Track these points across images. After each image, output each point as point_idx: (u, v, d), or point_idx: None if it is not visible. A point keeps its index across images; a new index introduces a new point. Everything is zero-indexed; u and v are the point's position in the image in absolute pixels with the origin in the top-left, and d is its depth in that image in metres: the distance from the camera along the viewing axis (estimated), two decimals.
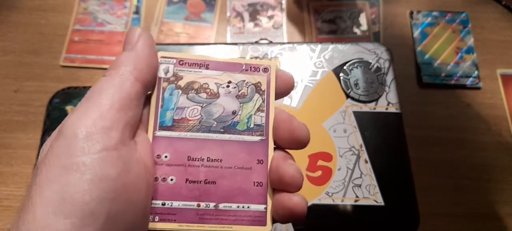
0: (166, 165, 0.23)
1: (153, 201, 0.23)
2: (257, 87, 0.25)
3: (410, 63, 0.54)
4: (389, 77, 0.39)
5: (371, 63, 0.39)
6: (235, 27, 0.55)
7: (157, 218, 0.23)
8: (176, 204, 0.23)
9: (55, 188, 0.18)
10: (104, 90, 0.21)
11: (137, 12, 0.56)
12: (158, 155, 0.24)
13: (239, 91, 0.25)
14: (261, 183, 0.24)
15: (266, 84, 0.25)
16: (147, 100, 0.24)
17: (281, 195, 0.23)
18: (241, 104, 0.25)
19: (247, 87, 0.25)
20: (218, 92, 0.25)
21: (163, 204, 0.23)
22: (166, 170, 0.23)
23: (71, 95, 0.46)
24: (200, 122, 0.24)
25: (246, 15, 0.56)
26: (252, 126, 0.24)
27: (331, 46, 0.40)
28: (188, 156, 0.24)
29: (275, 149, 0.24)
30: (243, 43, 0.40)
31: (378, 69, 0.39)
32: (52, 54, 0.53)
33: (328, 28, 0.55)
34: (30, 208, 0.18)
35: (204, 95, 0.25)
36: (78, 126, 0.20)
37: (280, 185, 0.23)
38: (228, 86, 0.25)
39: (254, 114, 0.25)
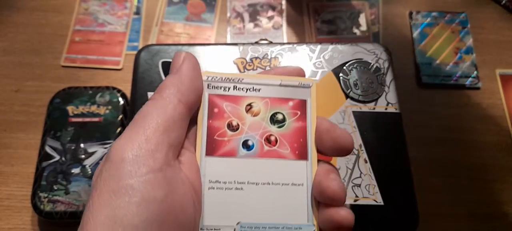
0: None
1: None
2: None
3: (410, 63, 0.54)
4: (389, 78, 0.39)
5: (370, 63, 0.39)
6: (235, 28, 0.56)
7: None
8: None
9: (106, 212, 0.19)
10: (149, 114, 0.22)
11: (137, 12, 0.56)
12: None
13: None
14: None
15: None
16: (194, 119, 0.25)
17: (328, 209, 0.23)
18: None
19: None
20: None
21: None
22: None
23: (72, 95, 0.47)
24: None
25: (246, 16, 0.56)
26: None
27: (330, 47, 0.40)
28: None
29: (319, 161, 0.25)
30: (243, 44, 0.40)
31: (378, 69, 0.39)
32: (52, 54, 0.53)
33: (328, 29, 0.56)
34: None
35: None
36: (125, 150, 0.20)
37: (323, 199, 0.24)
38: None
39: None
